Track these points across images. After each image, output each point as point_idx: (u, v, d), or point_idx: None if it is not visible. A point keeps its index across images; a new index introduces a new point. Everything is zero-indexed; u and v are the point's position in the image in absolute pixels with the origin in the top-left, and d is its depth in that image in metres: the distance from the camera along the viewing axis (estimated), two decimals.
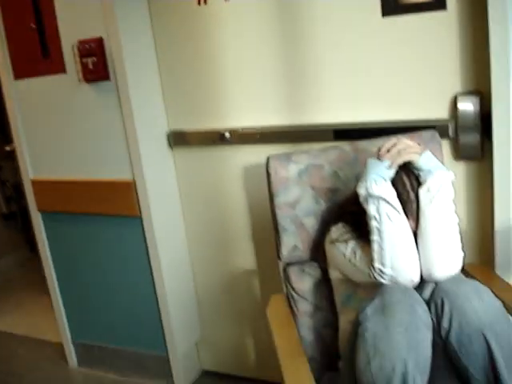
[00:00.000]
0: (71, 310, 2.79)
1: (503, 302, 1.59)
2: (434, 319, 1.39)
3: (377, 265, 1.45)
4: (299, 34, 2.01)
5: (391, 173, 1.49)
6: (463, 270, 1.81)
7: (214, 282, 2.51)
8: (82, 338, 2.81)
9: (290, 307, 1.80)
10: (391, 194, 1.47)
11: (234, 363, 2.60)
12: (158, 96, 2.32)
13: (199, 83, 2.23)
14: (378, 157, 1.50)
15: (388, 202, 1.46)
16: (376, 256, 1.46)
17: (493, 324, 1.34)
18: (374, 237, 1.47)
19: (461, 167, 1.91)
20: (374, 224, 1.47)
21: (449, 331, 1.36)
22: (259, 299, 2.37)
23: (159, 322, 2.52)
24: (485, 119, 1.80)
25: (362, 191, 1.50)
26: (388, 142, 1.51)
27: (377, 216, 1.47)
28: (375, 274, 1.46)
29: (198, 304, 2.60)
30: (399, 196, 1.49)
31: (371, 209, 1.48)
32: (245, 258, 2.39)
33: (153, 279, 2.45)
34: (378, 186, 1.47)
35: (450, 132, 1.85)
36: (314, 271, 1.79)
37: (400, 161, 1.48)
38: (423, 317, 1.36)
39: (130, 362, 2.71)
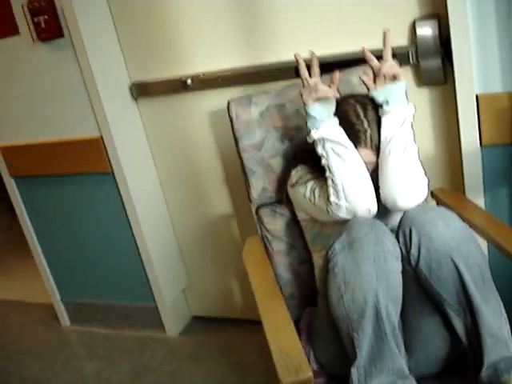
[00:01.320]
0: (57, 272, 2.82)
1: (473, 224, 1.64)
2: (403, 248, 1.41)
3: (332, 199, 1.48)
4: None
5: (327, 109, 1.52)
6: (434, 196, 1.85)
7: (194, 229, 2.53)
8: (71, 297, 2.86)
9: (266, 248, 1.82)
10: (334, 132, 1.50)
11: (222, 306, 2.65)
12: (116, 48, 2.27)
13: (156, 32, 2.19)
14: (304, 104, 1.53)
15: (331, 140, 1.48)
16: (331, 191, 1.48)
17: (460, 247, 1.36)
18: (327, 173, 1.49)
19: (424, 93, 1.91)
20: (324, 162, 1.50)
21: (418, 258, 1.39)
22: (240, 242, 2.40)
23: (144, 273, 2.56)
24: (444, 43, 1.78)
25: (308, 138, 1.54)
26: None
27: (324, 154, 1.50)
28: (332, 209, 1.48)
29: (180, 252, 2.62)
30: (352, 126, 1.51)
31: (319, 149, 1.52)
32: (221, 202, 2.40)
33: (132, 232, 2.47)
34: (317, 130, 1.50)
35: (411, 58, 1.84)
36: (285, 211, 1.80)
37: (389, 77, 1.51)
38: (391, 247, 1.38)
39: (120, 316, 2.76)
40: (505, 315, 1.40)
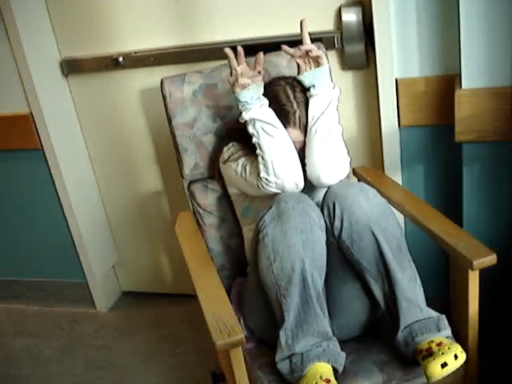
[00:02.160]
0: None
1: (392, 199, 1.76)
2: (327, 220, 1.52)
3: (262, 175, 1.56)
4: None
5: (255, 93, 1.59)
6: (355, 174, 1.96)
7: (124, 205, 2.56)
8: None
9: (197, 222, 1.88)
10: (264, 113, 1.58)
11: (151, 281, 2.70)
12: (47, 24, 2.25)
13: (88, 9, 2.18)
14: (233, 91, 1.60)
15: (261, 121, 1.57)
16: (261, 167, 1.56)
17: (379, 220, 1.48)
18: (257, 151, 1.58)
19: (348, 76, 2.01)
20: (254, 140, 1.59)
21: (341, 230, 1.49)
22: (170, 218, 2.45)
23: (74, 250, 2.57)
24: (368, 29, 1.89)
25: (240, 120, 1.62)
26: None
27: (255, 133, 1.58)
28: (262, 184, 1.57)
29: (110, 228, 2.65)
30: (282, 107, 1.60)
31: (250, 128, 1.59)
32: (151, 179, 2.44)
33: (62, 209, 2.48)
34: (247, 111, 1.58)
35: (336, 43, 1.93)
36: (216, 186, 1.87)
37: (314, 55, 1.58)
38: (316, 219, 1.48)
39: (50, 293, 2.76)
40: (419, 282, 1.53)
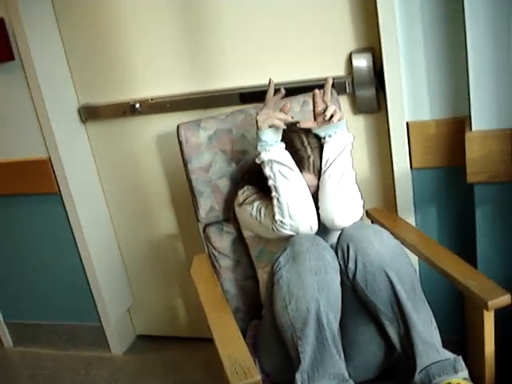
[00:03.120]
0: (0, 292, 2.80)
1: (405, 240, 1.77)
2: (341, 262, 1.53)
3: (277, 217, 1.58)
4: (198, 1, 2.08)
5: (276, 135, 1.61)
6: (369, 215, 1.98)
7: (139, 249, 2.58)
8: (15, 318, 2.84)
9: (213, 265, 1.90)
10: (281, 155, 1.60)
11: (166, 325, 2.70)
12: (66, 72, 2.33)
13: (105, 56, 2.25)
14: (258, 128, 1.62)
15: (279, 163, 1.59)
16: (276, 210, 1.58)
17: (393, 261, 1.49)
18: (273, 193, 1.60)
19: (360, 120, 2.05)
20: (270, 183, 1.61)
21: (355, 272, 1.51)
22: (185, 261, 2.47)
23: (89, 293, 2.58)
24: (378, 74, 1.93)
25: (257, 160, 1.64)
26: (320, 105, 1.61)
27: (271, 175, 1.60)
28: (277, 226, 1.59)
29: (126, 272, 2.67)
30: (297, 152, 1.62)
31: (266, 170, 1.62)
32: (167, 223, 2.47)
33: (78, 252, 2.50)
34: (266, 152, 1.61)
35: (348, 88, 1.97)
36: (231, 229, 1.89)
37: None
38: (331, 261, 1.49)
39: (65, 336, 2.77)
40: (434, 324, 1.53)
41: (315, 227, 1.60)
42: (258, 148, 1.62)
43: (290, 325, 1.46)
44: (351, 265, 1.51)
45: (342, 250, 1.54)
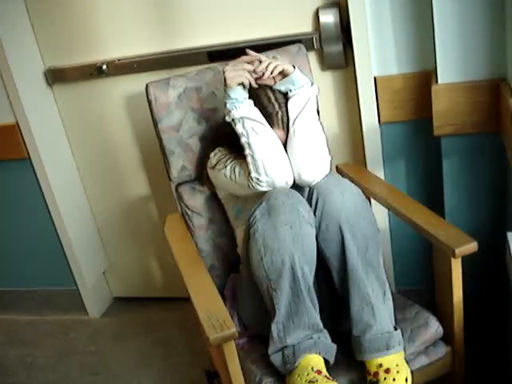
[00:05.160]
0: None
1: (374, 193, 1.81)
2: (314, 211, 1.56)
3: (253, 174, 1.59)
4: None
5: (245, 92, 1.62)
6: (339, 170, 2.01)
7: (112, 211, 2.58)
8: None
9: (186, 224, 1.92)
10: (252, 111, 1.61)
11: (142, 286, 2.73)
12: (30, 35, 2.28)
13: (70, 18, 2.21)
14: (226, 85, 1.62)
15: (250, 119, 1.60)
16: (251, 167, 1.60)
17: (349, 216, 1.52)
18: (246, 151, 1.61)
19: (328, 76, 2.06)
20: (243, 140, 1.61)
21: (316, 219, 1.54)
22: (158, 222, 2.48)
23: (64, 258, 2.59)
24: (345, 30, 1.93)
25: (227, 118, 1.64)
26: (261, 65, 1.61)
27: (244, 132, 1.61)
28: (253, 183, 1.60)
29: (100, 235, 2.67)
30: (265, 109, 1.63)
31: (238, 128, 1.62)
32: (138, 184, 2.47)
33: (51, 217, 2.50)
34: (237, 109, 1.60)
35: (315, 44, 1.98)
36: (204, 188, 1.90)
37: (275, 73, 1.61)
38: (305, 215, 1.51)
39: (41, 302, 2.78)
40: (388, 295, 1.56)
41: (290, 181, 1.62)
42: (228, 106, 1.62)
43: (265, 277, 1.49)
44: (316, 214, 1.55)
45: (310, 199, 1.57)
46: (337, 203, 1.53)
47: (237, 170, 1.68)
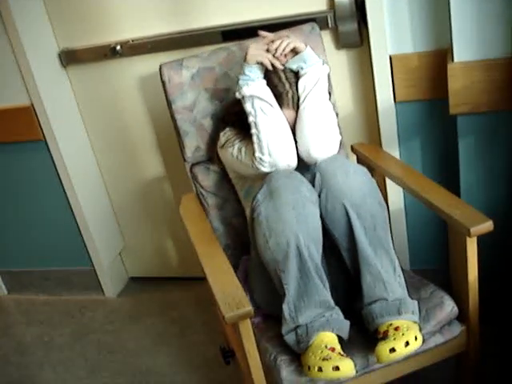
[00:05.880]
0: None
1: (390, 173, 1.80)
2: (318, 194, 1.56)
3: (257, 154, 1.60)
4: None
5: (260, 72, 1.63)
6: (354, 150, 2.00)
7: (128, 192, 2.60)
8: (7, 267, 2.87)
9: (201, 203, 1.93)
10: (263, 90, 1.61)
11: (158, 266, 2.75)
12: (43, 16, 2.28)
13: None
14: (245, 61, 1.63)
15: (260, 98, 1.60)
16: (256, 147, 1.60)
17: (354, 197, 1.52)
18: (253, 130, 1.62)
19: (343, 55, 2.04)
20: (251, 119, 1.62)
21: (319, 201, 1.55)
22: (173, 202, 2.49)
23: (80, 238, 2.61)
24: (360, 7, 1.91)
25: (237, 95, 1.64)
26: (274, 43, 1.62)
27: (252, 111, 1.61)
28: (256, 163, 1.61)
29: (115, 215, 2.69)
30: (276, 88, 1.63)
31: (247, 106, 1.62)
32: (153, 164, 2.48)
33: (67, 197, 2.52)
34: (248, 87, 1.61)
35: (330, 23, 1.96)
36: (217, 168, 1.91)
37: (286, 51, 1.62)
38: (308, 194, 1.52)
39: (58, 281, 2.81)
40: (398, 270, 1.56)
41: (293, 164, 1.63)
42: (240, 82, 1.63)
43: (272, 259, 1.50)
44: (321, 195, 1.55)
45: (312, 178, 1.57)
46: (340, 184, 1.53)
47: (243, 149, 1.69)
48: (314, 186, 1.56)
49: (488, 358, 1.76)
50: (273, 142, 1.59)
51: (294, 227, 1.47)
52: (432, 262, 2.14)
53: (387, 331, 1.44)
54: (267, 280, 1.57)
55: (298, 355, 1.49)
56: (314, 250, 1.50)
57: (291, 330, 1.50)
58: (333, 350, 1.41)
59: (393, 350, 1.36)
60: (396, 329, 1.43)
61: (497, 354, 1.88)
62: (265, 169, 1.61)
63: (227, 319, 1.33)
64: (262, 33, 1.67)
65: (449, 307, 1.56)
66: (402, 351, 1.37)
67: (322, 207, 1.54)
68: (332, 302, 1.52)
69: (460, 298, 1.59)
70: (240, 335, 1.39)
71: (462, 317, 1.59)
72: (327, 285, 1.53)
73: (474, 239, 1.50)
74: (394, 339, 1.39)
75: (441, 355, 1.60)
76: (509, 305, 1.95)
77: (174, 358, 2.27)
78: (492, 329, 1.84)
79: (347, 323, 1.52)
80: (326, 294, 1.51)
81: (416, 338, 1.39)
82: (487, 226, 1.47)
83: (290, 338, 1.50)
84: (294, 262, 1.47)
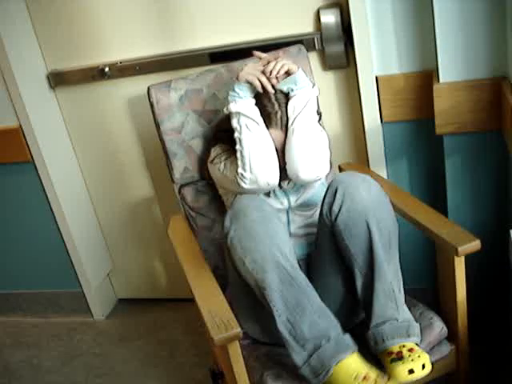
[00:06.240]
0: None
1: None
2: (326, 205, 1.55)
3: (239, 170, 1.61)
4: None
5: (250, 91, 1.65)
6: (341, 170, 2.01)
7: (116, 213, 2.59)
8: None
9: (190, 225, 1.92)
10: (249, 108, 1.63)
11: (146, 287, 2.73)
12: (32, 38, 2.28)
13: (72, 21, 2.22)
14: (237, 78, 1.65)
15: (246, 116, 1.61)
16: (239, 163, 1.61)
17: (376, 212, 1.51)
18: (237, 146, 1.63)
19: (330, 76, 2.06)
20: (236, 135, 1.63)
21: (338, 214, 1.52)
22: (162, 223, 2.49)
23: (69, 259, 2.60)
24: (347, 29, 1.94)
25: (225, 110, 1.67)
26: (269, 65, 1.65)
27: (238, 127, 1.63)
28: (238, 179, 1.62)
29: (104, 237, 2.68)
30: (265, 108, 1.64)
31: (233, 122, 1.64)
32: (141, 185, 2.48)
33: (55, 219, 2.51)
34: (236, 104, 1.63)
35: (317, 44, 1.98)
36: (207, 189, 1.91)
37: (281, 73, 1.64)
38: (272, 212, 1.54)
39: (46, 304, 2.79)
40: (401, 282, 1.55)
41: (273, 183, 1.63)
42: (229, 97, 1.65)
43: (253, 277, 1.47)
44: (335, 207, 1.52)
45: (330, 192, 1.55)
46: (364, 200, 1.51)
47: (228, 164, 1.70)
48: (333, 200, 1.53)
49: (477, 378, 1.76)
50: (255, 159, 1.60)
51: (265, 241, 1.46)
52: (421, 281, 2.14)
53: (401, 352, 1.43)
54: (253, 307, 1.56)
55: (285, 369, 1.49)
56: (292, 258, 1.49)
57: (304, 362, 1.45)
58: (365, 378, 1.38)
59: (411, 371, 1.36)
60: (410, 350, 1.43)
61: (486, 374, 1.88)
62: (245, 186, 1.61)
63: (216, 341, 1.32)
64: (257, 53, 1.69)
65: (438, 328, 1.57)
66: (419, 373, 1.37)
67: (341, 222, 1.52)
68: (323, 305, 1.49)
69: (449, 318, 1.60)
70: (229, 357, 1.39)
71: (451, 336, 1.60)
72: (314, 290, 1.51)
73: (462, 258, 1.51)
74: (412, 360, 1.38)
75: (430, 375, 1.59)
76: (497, 324, 1.96)
77: (163, 380, 2.25)
78: (481, 348, 1.83)
79: (348, 337, 1.48)
80: (316, 298, 1.49)
81: (429, 363, 1.40)
82: (475, 245, 1.48)
83: (305, 371, 1.45)
84: (274, 273, 1.44)
